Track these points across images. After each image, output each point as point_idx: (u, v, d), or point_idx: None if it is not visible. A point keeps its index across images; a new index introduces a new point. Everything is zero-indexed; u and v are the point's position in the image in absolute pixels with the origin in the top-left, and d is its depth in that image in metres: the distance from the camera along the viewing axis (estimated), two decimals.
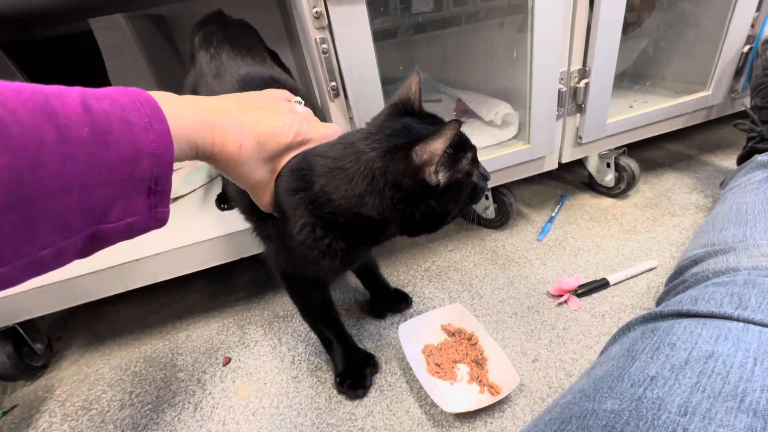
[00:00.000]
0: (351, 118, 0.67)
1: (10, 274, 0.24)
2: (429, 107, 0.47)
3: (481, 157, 0.49)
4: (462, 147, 0.43)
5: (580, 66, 0.76)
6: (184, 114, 0.32)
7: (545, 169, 0.85)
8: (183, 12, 1.12)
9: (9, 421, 0.71)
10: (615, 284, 0.73)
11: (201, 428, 0.63)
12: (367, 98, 0.64)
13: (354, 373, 0.63)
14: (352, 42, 0.60)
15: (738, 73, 0.88)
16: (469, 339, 0.65)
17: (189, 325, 0.85)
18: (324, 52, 0.60)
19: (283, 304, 0.85)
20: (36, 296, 0.70)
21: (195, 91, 0.70)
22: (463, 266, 0.84)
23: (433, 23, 1.08)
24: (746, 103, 0.88)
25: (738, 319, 0.35)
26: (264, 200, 0.44)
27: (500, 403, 0.57)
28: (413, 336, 0.66)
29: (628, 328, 0.43)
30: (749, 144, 0.78)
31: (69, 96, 0.25)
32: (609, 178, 0.95)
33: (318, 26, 0.58)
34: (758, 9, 0.83)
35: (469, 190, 0.45)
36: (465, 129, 0.44)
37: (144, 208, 0.29)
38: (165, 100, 0.31)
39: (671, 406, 0.29)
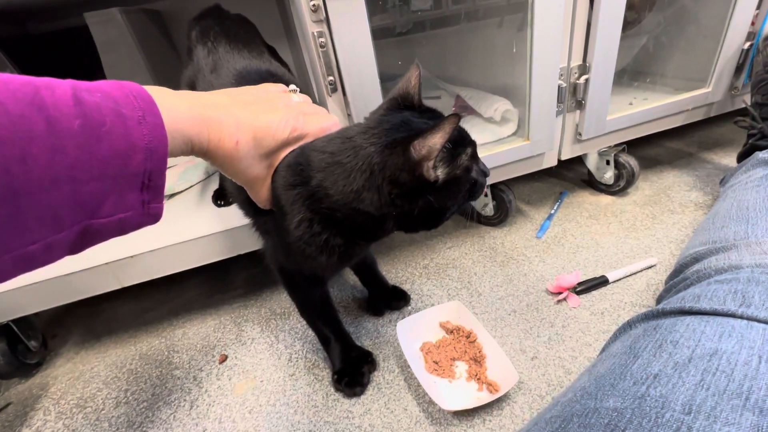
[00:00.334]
0: (349, 115, 0.66)
1: None
2: (427, 104, 0.46)
3: (480, 154, 0.48)
4: (461, 142, 0.42)
5: (580, 62, 0.75)
6: (179, 109, 0.32)
7: (544, 166, 0.85)
8: (180, 7, 1.11)
9: (3, 419, 0.70)
10: (614, 282, 0.72)
11: (197, 426, 0.62)
12: (365, 93, 0.64)
13: (352, 371, 0.62)
14: (351, 36, 0.59)
15: (738, 70, 0.88)
16: (468, 336, 0.65)
17: (185, 323, 0.84)
18: (321, 46, 0.59)
19: (281, 301, 0.84)
20: (30, 293, 0.69)
21: (192, 86, 0.70)
22: (462, 263, 0.84)
23: (432, 21, 1.08)
24: (746, 100, 0.88)
25: (742, 317, 0.34)
26: (261, 196, 0.43)
27: (499, 400, 0.56)
28: (411, 333, 0.65)
29: (629, 325, 0.42)
30: (750, 141, 0.78)
31: (60, 88, 0.25)
32: (608, 176, 0.94)
33: (315, 19, 0.57)
34: (759, 6, 0.82)
35: (468, 186, 0.44)
36: (464, 125, 0.44)
37: (137, 203, 0.28)
38: (159, 94, 0.30)
39: (675, 404, 0.28)
